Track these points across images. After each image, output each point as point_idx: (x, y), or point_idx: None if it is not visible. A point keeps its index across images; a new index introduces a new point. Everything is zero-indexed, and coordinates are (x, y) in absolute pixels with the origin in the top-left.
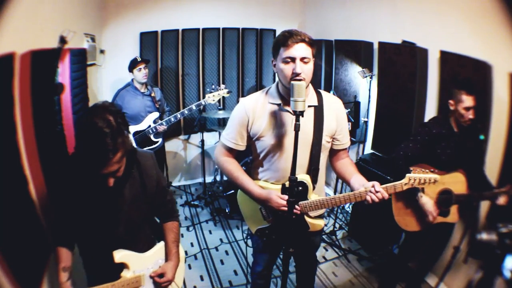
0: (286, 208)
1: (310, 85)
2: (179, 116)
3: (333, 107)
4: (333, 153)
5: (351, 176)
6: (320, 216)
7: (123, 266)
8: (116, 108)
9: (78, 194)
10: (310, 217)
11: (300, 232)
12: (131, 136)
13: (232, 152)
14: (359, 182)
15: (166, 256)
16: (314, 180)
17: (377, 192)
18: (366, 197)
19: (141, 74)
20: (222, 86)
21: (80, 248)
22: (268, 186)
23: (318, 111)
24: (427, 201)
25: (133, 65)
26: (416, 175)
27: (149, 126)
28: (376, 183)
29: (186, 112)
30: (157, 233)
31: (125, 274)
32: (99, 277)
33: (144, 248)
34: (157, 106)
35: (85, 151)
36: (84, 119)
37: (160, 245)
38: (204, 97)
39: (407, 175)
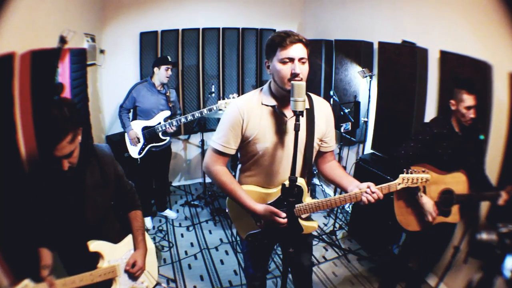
0: (281, 220)
1: None
2: (189, 117)
3: (323, 109)
4: (320, 155)
5: (342, 178)
6: (309, 218)
7: (98, 256)
8: (72, 102)
9: (42, 189)
10: (303, 219)
11: (294, 234)
12: (140, 131)
13: (223, 157)
14: (353, 184)
15: (134, 245)
16: (309, 183)
17: (373, 192)
18: (362, 198)
19: (167, 73)
20: (235, 95)
21: (58, 246)
22: (261, 191)
23: (310, 114)
24: (427, 201)
25: (162, 62)
26: (408, 175)
27: (159, 123)
28: (371, 184)
29: (198, 115)
30: (127, 229)
31: (101, 264)
32: (76, 269)
33: (115, 239)
34: (170, 106)
35: (40, 134)
36: (44, 108)
37: (130, 237)
38: (205, 97)
39: (400, 175)
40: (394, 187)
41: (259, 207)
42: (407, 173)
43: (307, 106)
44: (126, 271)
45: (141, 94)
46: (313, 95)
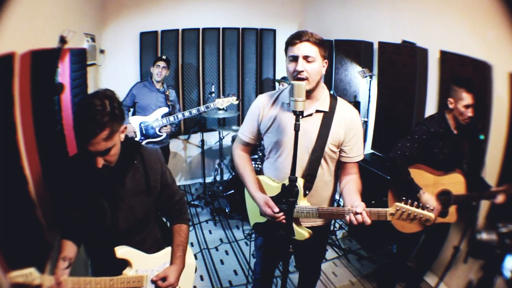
0: (272, 213)
1: (326, 89)
2: (187, 114)
3: (345, 116)
4: (340, 165)
5: (347, 194)
6: (317, 228)
7: (126, 263)
8: (115, 96)
9: (78, 184)
10: (299, 224)
11: (285, 236)
12: (137, 126)
13: (246, 146)
14: (349, 200)
15: (171, 259)
16: (308, 187)
17: (356, 214)
18: (346, 217)
19: (156, 70)
20: (233, 94)
21: (85, 243)
22: (268, 182)
23: (327, 117)
24: (429, 198)
25: (155, 60)
26: (406, 207)
27: (156, 119)
28: (361, 205)
29: (195, 111)
30: (168, 238)
31: (127, 272)
32: (102, 273)
33: (151, 249)
34: (168, 104)
35: (76, 124)
36: (84, 97)
37: (169, 249)
38: (205, 97)
39: (395, 203)
40: (384, 215)
41: (258, 195)
42: (405, 203)
43: (326, 109)
44: (154, 283)
45: (141, 91)
46: (341, 100)
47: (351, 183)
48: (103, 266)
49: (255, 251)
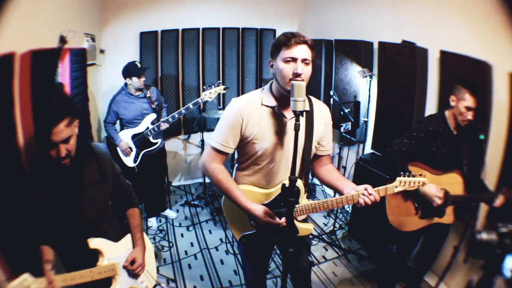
0: (275, 222)
1: None
2: (176, 115)
3: (322, 113)
4: (316, 158)
5: (340, 181)
6: (305, 220)
7: (98, 254)
8: (69, 96)
9: (42, 184)
10: (298, 221)
11: (289, 236)
12: (130, 140)
13: (221, 155)
14: (350, 186)
15: (132, 243)
16: (305, 184)
17: (370, 194)
18: (359, 200)
19: (140, 81)
20: (219, 82)
21: (57, 241)
22: (257, 191)
23: (309, 116)
24: (429, 186)
25: (132, 74)
26: (406, 178)
27: (147, 128)
28: (369, 186)
29: (184, 111)
30: (124, 228)
31: (101, 262)
32: (76, 267)
33: (115, 238)
34: (154, 107)
35: (38, 120)
36: (42, 100)
37: (129, 235)
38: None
39: (398, 178)
40: (391, 189)
41: (255, 207)
42: (404, 176)
43: (307, 108)
44: (125, 268)
45: (121, 106)
46: (313, 98)
47: (336, 173)
48: (76, 260)
49: (243, 261)
